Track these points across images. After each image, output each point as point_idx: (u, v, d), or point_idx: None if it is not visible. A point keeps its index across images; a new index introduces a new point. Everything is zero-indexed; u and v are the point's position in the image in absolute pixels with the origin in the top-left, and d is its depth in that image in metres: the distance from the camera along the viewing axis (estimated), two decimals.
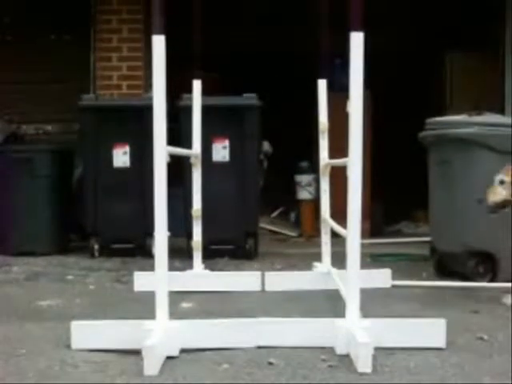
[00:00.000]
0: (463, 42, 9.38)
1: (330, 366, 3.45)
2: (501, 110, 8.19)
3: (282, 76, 10.53)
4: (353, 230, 3.72)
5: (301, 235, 8.75)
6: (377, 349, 3.46)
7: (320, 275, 5.47)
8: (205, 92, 5.83)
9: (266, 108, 7.05)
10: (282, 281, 5.48)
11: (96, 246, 7.12)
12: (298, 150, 8.76)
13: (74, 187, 7.55)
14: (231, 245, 7.00)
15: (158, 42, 3.73)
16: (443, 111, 8.43)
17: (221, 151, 7.00)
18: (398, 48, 10.06)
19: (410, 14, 10.14)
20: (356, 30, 3.67)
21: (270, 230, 8.91)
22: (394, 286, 5.45)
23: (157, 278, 3.72)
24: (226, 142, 7.00)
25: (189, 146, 5.73)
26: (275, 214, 9.64)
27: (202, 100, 5.76)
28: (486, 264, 5.63)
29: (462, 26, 9.74)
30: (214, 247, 6.70)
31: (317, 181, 7.06)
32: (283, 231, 8.95)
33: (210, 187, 6.23)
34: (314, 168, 7.98)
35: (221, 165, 6.99)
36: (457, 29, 9.76)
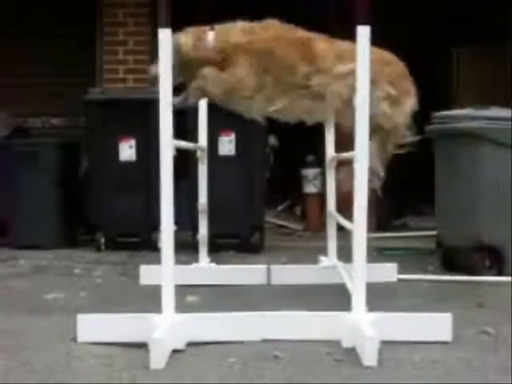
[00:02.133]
0: (470, 37, 9.36)
1: (336, 360, 3.46)
2: (507, 104, 8.16)
3: None
4: (359, 224, 3.72)
5: (307, 229, 8.75)
6: (382, 343, 3.46)
7: (326, 269, 5.47)
8: None
9: None
10: (287, 274, 5.48)
11: (102, 240, 7.13)
12: (305, 143, 8.75)
13: (79, 181, 7.56)
14: (237, 239, 7.00)
15: (164, 35, 3.73)
16: (450, 105, 8.41)
17: (227, 145, 7.00)
18: (404, 43, 10.02)
19: (417, 8, 10.11)
20: (362, 23, 3.67)
21: (276, 224, 8.91)
22: (399, 280, 5.45)
23: (163, 272, 3.73)
24: (232, 136, 7.00)
25: (195, 139, 5.73)
26: (281, 207, 9.64)
27: None
28: (492, 258, 5.63)
29: (469, 20, 9.72)
30: (219, 241, 6.70)
31: (323, 175, 7.05)
32: (289, 225, 8.94)
33: (215, 181, 6.24)
34: (320, 162, 7.97)
35: (227, 159, 6.99)
36: (463, 23, 9.74)
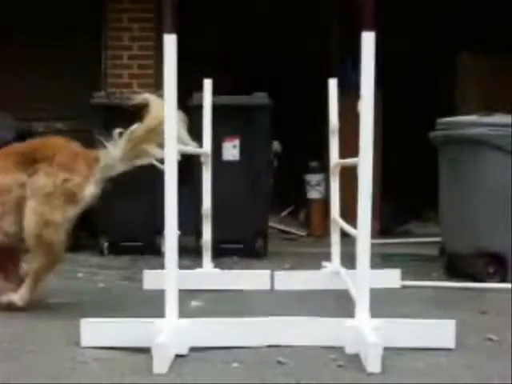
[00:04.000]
0: (474, 43, 9.36)
1: (339, 366, 3.46)
2: (511, 111, 8.16)
3: (292, 75, 10.52)
4: (363, 230, 3.72)
5: (310, 234, 8.75)
6: (386, 349, 3.46)
7: (329, 275, 5.47)
8: (216, 91, 5.83)
9: (277, 107, 7.04)
10: (291, 280, 5.48)
11: (105, 244, 7.13)
12: (309, 149, 8.76)
13: None
14: (241, 244, 7.00)
15: (170, 41, 3.73)
16: (454, 111, 8.41)
17: (231, 150, 7.00)
18: (409, 48, 10.04)
19: (422, 14, 10.12)
20: (367, 29, 3.67)
21: (280, 229, 8.91)
22: (403, 287, 5.45)
23: (166, 277, 3.73)
24: (237, 141, 7.00)
25: (199, 144, 5.73)
26: (285, 213, 9.63)
27: (213, 99, 5.76)
28: (496, 265, 5.63)
29: (473, 26, 9.73)
30: (223, 246, 6.70)
31: (327, 180, 7.05)
32: (293, 230, 8.94)
33: (219, 186, 6.24)
34: (324, 167, 7.97)
35: (231, 164, 6.99)
36: (467, 29, 9.75)
